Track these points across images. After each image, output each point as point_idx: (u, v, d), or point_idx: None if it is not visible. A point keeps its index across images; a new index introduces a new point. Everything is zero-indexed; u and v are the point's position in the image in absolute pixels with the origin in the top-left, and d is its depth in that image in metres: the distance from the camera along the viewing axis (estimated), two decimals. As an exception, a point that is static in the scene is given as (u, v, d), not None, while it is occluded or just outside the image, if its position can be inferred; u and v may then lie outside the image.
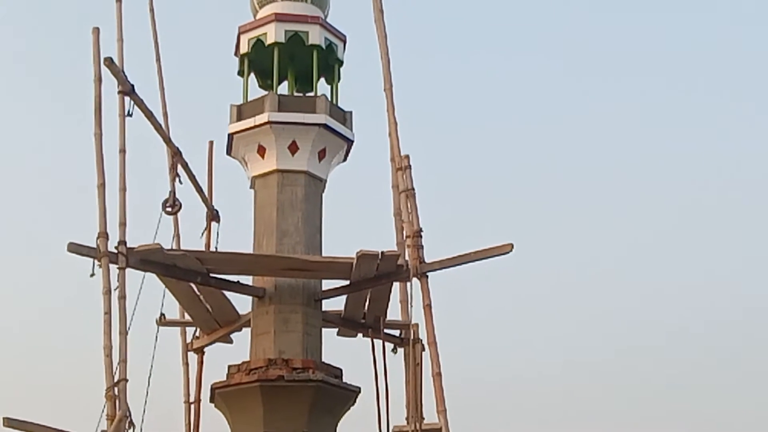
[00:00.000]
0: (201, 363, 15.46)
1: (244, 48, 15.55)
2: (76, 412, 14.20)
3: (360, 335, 15.09)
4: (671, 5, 36.59)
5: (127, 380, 12.20)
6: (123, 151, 13.37)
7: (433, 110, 32.82)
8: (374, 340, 14.47)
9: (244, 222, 15.09)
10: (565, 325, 31.03)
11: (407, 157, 13.85)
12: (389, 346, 14.88)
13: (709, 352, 30.90)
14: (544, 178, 33.82)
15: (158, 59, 16.22)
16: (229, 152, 15.38)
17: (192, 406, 15.33)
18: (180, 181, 14.93)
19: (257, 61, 15.62)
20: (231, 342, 15.48)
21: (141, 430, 12.72)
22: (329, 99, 15.30)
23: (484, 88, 35.70)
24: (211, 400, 14.42)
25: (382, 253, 13.50)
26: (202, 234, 16.11)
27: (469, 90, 35.44)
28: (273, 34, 15.29)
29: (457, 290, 19.57)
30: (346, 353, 15.10)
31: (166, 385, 15.32)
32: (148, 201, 14.98)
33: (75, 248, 12.69)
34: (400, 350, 14.98)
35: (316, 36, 15.35)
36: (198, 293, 14.51)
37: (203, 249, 15.60)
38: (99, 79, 13.42)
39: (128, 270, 12.98)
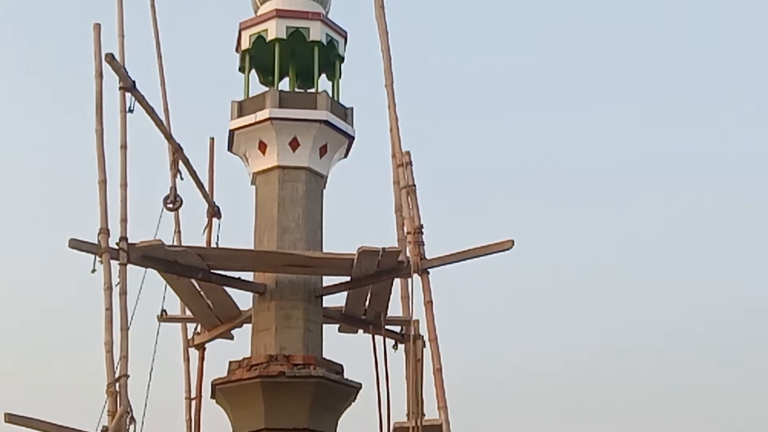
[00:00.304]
0: (202, 359, 15.48)
1: (245, 44, 15.57)
2: (77, 408, 14.17)
3: (361, 331, 15.08)
4: (671, 5, 36.63)
5: (128, 376, 12.20)
6: (124, 147, 13.37)
7: (434, 107, 32.90)
8: (375, 337, 14.46)
9: (245, 218, 15.13)
10: (565, 322, 31.06)
11: (408, 153, 13.86)
12: (390, 342, 14.90)
13: (709, 352, 30.93)
14: (544, 175, 33.84)
15: (159, 55, 16.23)
16: (230, 148, 15.38)
17: (193, 402, 15.34)
18: (181, 177, 14.92)
19: (258, 57, 15.63)
20: (232, 338, 15.50)
21: (142, 425, 12.77)
22: (330, 95, 15.30)
23: (485, 86, 35.75)
24: (212, 396, 14.43)
25: (383, 249, 13.52)
26: (203, 230, 16.08)
27: (470, 87, 35.50)
28: (274, 30, 15.30)
29: (458, 287, 19.60)
30: (346, 349, 15.10)
31: (167, 381, 15.36)
32: (149, 197, 14.99)
33: (76, 244, 12.69)
34: (401, 346, 14.99)
35: (317, 32, 15.35)
36: (199, 289, 14.54)
37: (204, 245, 15.57)
38: (100, 76, 13.39)
39: (129, 266, 12.98)
